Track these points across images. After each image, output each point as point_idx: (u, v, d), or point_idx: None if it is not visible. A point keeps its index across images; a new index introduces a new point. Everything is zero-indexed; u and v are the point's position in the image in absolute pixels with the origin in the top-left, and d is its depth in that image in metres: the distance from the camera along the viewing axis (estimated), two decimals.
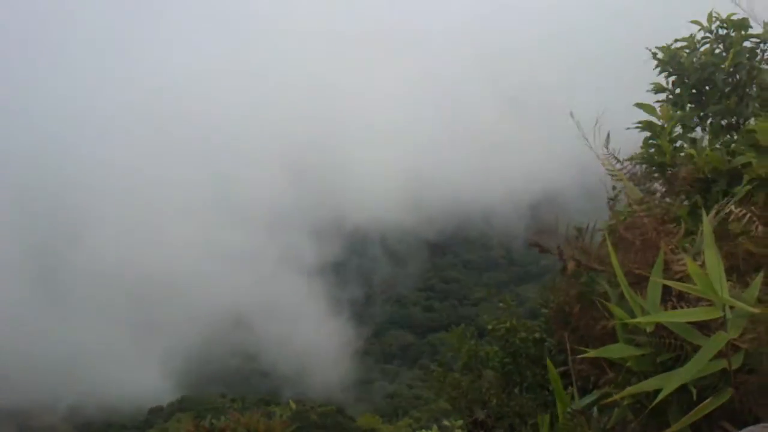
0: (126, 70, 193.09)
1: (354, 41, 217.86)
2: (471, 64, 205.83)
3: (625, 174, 4.26)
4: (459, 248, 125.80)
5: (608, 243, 3.30)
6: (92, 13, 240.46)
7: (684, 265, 3.10)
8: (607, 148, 4.23)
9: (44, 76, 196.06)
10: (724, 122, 5.34)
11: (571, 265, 3.97)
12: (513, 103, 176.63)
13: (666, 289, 3.20)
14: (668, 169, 4.80)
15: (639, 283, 3.38)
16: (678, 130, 5.13)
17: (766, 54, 5.30)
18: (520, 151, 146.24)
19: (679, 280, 3.14)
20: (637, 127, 4.99)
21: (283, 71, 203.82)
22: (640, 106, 4.98)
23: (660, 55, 5.60)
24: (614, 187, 4.64)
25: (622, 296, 3.38)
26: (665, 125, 4.92)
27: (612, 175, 4.29)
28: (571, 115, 4.28)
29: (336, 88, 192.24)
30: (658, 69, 5.62)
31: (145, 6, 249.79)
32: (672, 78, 5.58)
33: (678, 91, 5.55)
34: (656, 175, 4.82)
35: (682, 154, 4.88)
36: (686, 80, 5.47)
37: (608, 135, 4.19)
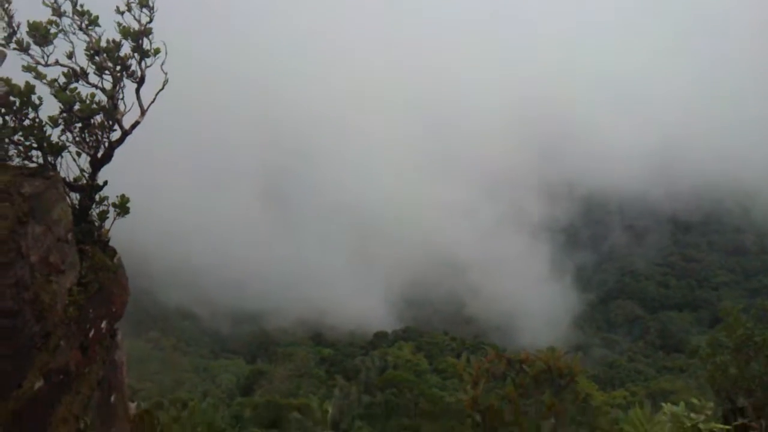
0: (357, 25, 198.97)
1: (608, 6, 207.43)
2: (741, 35, 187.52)
3: None
4: (706, 228, 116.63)
5: None
6: None
7: None
8: None
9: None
10: None
11: None
12: None
13: None
14: None
15: None
16: None
17: None
18: None
19: None
20: None
21: (520, 25, 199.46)
22: None
23: None
24: None
25: None
26: None
27: None
28: None
29: (581, 45, 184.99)
30: None
31: None
32: None
33: None
34: None
35: None
36: None
37: None
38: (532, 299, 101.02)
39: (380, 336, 78.99)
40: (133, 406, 5.91)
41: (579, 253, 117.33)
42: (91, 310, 4.79)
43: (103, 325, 5.10)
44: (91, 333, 4.83)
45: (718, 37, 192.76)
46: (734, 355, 8.49)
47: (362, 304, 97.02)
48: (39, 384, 4.08)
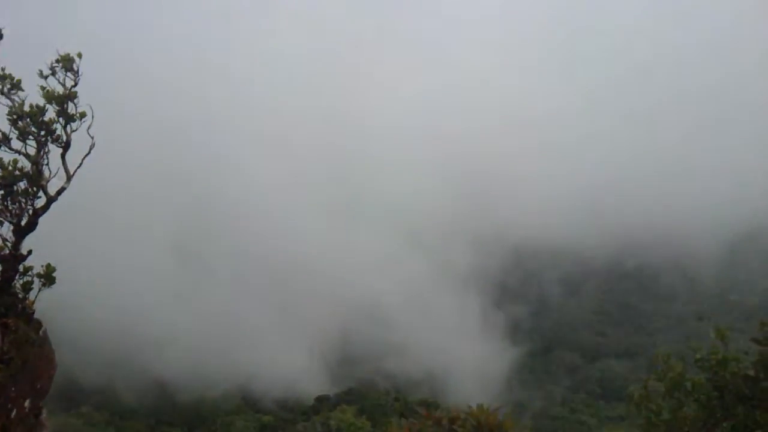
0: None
1: (531, 47, 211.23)
2: (657, 70, 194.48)
3: None
4: (639, 274, 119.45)
5: None
6: None
7: None
8: None
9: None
10: None
11: None
12: (717, 122, 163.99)
13: None
14: None
15: None
16: None
17: None
18: (720, 178, 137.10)
19: None
20: None
21: (452, 68, 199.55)
22: None
23: None
24: None
25: None
26: None
27: None
28: None
29: (506, 94, 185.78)
30: None
31: None
32: None
33: None
34: None
35: None
36: None
37: None
38: (466, 352, 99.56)
39: (322, 399, 77.60)
40: None
41: (512, 304, 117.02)
42: (13, 389, 4.56)
43: (27, 403, 4.85)
44: (13, 413, 4.59)
45: (646, 79, 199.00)
46: (666, 400, 8.61)
47: (292, 365, 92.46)
48: None
